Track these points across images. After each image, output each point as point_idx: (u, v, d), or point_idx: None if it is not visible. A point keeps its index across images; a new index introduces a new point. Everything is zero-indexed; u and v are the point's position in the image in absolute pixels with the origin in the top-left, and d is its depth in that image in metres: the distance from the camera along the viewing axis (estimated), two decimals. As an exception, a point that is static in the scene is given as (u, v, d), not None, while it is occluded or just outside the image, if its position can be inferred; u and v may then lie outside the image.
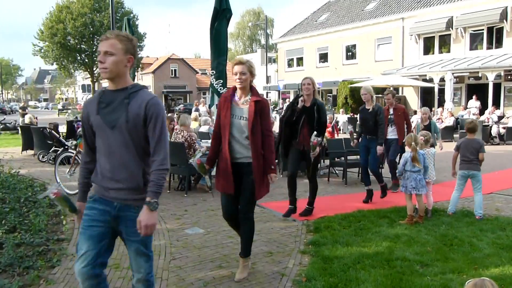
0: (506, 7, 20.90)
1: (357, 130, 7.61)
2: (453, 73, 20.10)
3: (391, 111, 7.98)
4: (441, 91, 21.74)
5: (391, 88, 21.97)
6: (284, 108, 31.28)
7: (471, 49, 22.96)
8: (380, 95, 23.56)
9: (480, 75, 21.16)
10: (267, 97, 39.42)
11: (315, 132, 5.76)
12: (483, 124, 16.09)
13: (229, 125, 3.82)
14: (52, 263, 4.26)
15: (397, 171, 6.02)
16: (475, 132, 5.97)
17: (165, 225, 5.64)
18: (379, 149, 6.75)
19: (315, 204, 6.56)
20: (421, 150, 5.86)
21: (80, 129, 11.51)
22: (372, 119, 6.83)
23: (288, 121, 5.81)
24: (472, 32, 22.92)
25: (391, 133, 7.90)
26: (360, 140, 7.18)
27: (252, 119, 3.75)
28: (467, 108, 20.18)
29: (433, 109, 22.27)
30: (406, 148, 6.04)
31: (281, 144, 5.94)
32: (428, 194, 6.02)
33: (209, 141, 8.84)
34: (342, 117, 21.94)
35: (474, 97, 20.42)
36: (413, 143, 5.68)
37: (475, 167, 5.87)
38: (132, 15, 39.96)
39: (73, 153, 7.63)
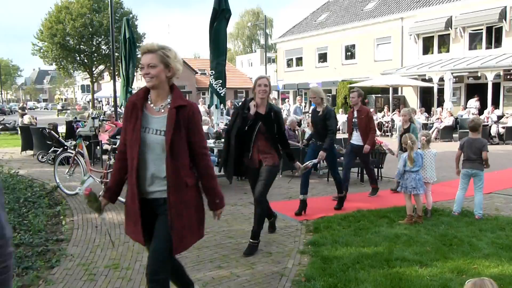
0: (505, 6, 20.91)
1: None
2: (452, 73, 20.11)
3: (355, 113, 7.12)
4: (440, 91, 21.74)
5: (392, 88, 22.02)
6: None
7: (470, 49, 22.96)
8: (379, 95, 23.66)
9: (479, 74, 21.17)
10: (266, 97, 39.43)
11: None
12: (483, 124, 16.09)
13: (139, 143, 2.62)
14: (52, 263, 4.25)
15: (396, 173, 6.00)
16: (477, 130, 5.91)
17: (164, 225, 5.63)
18: (321, 155, 6.01)
19: (314, 204, 6.55)
20: (421, 151, 5.86)
21: (79, 129, 11.51)
22: (320, 123, 6.15)
23: (238, 132, 4.64)
24: (471, 32, 22.93)
25: (356, 138, 7.13)
26: (309, 145, 6.54)
27: (171, 133, 2.58)
28: (466, 107, 20.18)
29: (432, 108, 22.31)
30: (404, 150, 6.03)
31: (227, 161, 4.74)
32: (428, 194, 6.02)
33: (208, 141, 8.85)
34: (341, 117, 21.93)
35: (476, 97, 20.40)
36: (409, 141, 5.67)
37: (478, 166, 5.85)
38: (131, 15, 39.99)
39: (72, 153, 7.62)
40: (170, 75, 2.67)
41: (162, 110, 2.67)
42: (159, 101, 2.69)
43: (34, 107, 64.95)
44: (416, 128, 7.36)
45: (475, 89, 21.91)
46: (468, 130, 6.26)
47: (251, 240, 4.69)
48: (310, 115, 10.53)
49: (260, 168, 4.70)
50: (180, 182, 2.62)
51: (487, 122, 16.97)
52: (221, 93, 9.15)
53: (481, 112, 19.46)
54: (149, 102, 2.71)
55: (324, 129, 6.09)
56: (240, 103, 4.98)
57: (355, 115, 7.08)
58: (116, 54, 17.27)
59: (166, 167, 2.58)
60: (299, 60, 34.03)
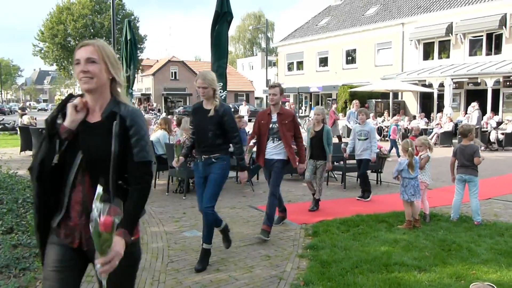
0: (506, 13, 20.98)
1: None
2: (452, 79, 20.14)
3: (274, 116, 5.40)
4: (440, 97, 21.77)
5: (392, 91, 22.02)
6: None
7: (470, 55, 23.02)
8: (379, 100, 23.69)
9: (479, 81, 21.21)
10: (267, 100, 39.49)
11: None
12: (482, 129, 16.11)
13: None
14: (49, 264, 4.24)
15: (392, 173, 5.96)
16: (467, 136, 5.95)
17: (163, 227, 5.62)
18: (243, 177, 4.63)
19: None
20: (416, 156, 5.85)
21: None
22: (214, 127, 4.19)
23: (43, 168, 2.05)
24: (472, 38, 22.99)
25: (273, 150, 5.36)
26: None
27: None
28: (467, 113, 20.20)
29: (432, 114, 22.34)
30: (401, 154, 6.00)
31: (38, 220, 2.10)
32: (423, 198, 6.00)
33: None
34: (341, 122, 21.94)
35: (476, 103, 20.44)
36: (409, 148, 5.65)
37: (472, 172, 5.88)
38: (133, 17, 40.04)
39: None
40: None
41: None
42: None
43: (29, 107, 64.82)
44: (330, 131, 6.63)
45: (474, 95, 21.94)
46: None
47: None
48: (310, 118, 10.33)
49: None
50: None
51: (487, 128, 16.99)
52: (222, 96, 9.15)
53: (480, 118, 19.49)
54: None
55: (215, 137, 4.26)
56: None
57: (274, 119, 5.37)
58: (117, 55, 17.27)
59: None
60: (300, 64, 34.08)
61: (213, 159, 4.27)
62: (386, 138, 19.52)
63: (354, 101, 15.32)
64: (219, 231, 4.54)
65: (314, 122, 6.74)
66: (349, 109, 14.99)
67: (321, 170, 6.60)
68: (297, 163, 5.58)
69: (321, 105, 32.60)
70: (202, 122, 4.28)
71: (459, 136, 6.35)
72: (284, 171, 5.55)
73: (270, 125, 5.40)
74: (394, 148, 13.03)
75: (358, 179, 8.33)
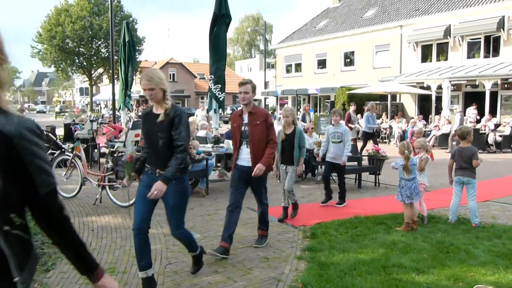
0: (503, 16, 21.04)
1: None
2: (450, 81, 20.18)
3: (245, 117, 4.72)
4: (438, 99, 21.80)
5: (390, 94, 22.06)
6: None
7: (468, 57, 23.08)
8: (377, 102, 23.71)
9: (477, 83, 21.26)
10: (265, 102, 39.51)
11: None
12: (480, 132, 16.14)
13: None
14: (47, 266, 4.23)
15: (392, 164, 5.99)
16: (466, 138, 5.98)
17: (161, 229, 5.62)
18: (157, 188, 3.42)
19: (311, 210, 6.57)
20: (414, 157, 5.86)
21: (77, 132, 11.50)
22: (165, 134, 3.50)
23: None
24: (470, 40, 23.05)
25: (248, 156, 4.71)
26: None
27: None
28: (465, 116, 20.25)
29: (430, 116, 22.37)
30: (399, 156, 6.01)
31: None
32: (421, 200, 6.01)
33: (206, 145, 8.86)
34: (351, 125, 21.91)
35: (473, 105, 20.49)
36: (406, 151, 5.65)
37: (470, 174, 5.90)
38: (131, 18, 40.06)
39: (69, 156, 7.60)
40: None
41: None
42: None
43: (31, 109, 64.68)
44: (302, 132, 6.12)
45: (472, 97, 21.99)
46: None
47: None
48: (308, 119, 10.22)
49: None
50: None
51: (485, 130, 17.02)
52: (220, 97, 9.16)
53: (478, 120, 19.53)
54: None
55: (165, 146, 3.54)
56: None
57: (245, 120, 4.72)
58: (116, 57, 17.29)
59: None
60: (298, 66, 34.11)
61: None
62: (385, 140, 19.58)
63: (369, 103, 14.30)
64: (192, 256, 4.13)
65: (284, 124, 6.17)
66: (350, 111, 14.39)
67: (291, 175, 6.11)
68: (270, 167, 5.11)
69: (319, 107, 32.66)
70: (151, 130, 3.59)
71: (457, 138, 6.35)
72: (265, 178, 4.96)
73: (242, 128, 4.75)
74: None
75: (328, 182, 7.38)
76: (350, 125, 13.08)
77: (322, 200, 7.28)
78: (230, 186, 4.91)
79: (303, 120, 15.66)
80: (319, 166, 9.64)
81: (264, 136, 4.70)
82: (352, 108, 14.25)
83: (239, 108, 5.27)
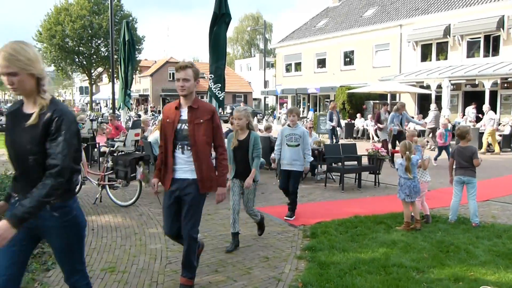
0: (503, 15, 21.05)
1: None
2: (450, 80, 20.19)
3: (184, 112, 3.64)
4: (438, 98, 21.80)
5: (389, 94, 22.04)
6: (282, 112, 30.66)
7: (468, 56, 23.09)
8: (377, 101, 23.71)
9: (476, 82, 21.27)
10: (265, 102, 39.51)
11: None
12: (479, 131, 16.14)
13: None
14: (47, 266, 4.23)
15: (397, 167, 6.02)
16: (465, 138, 6.00)
17: (161, 229, 5.62)
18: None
19: (311, 209, 6.56)
20: (416, 156, 5.87)
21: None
22: (37, 147, 2.30)
23: None
24: (469, 40, 23.06)
25: (184, 166, 3.61)
26: None
27: None
28: (464, 115, 20.26)
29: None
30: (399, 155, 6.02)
31: None
32: (422, 199, 6.02)
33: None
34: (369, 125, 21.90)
35: (473, 105, 20.52)
36: (407, 152, 5.68)
37: (471, 173, 5.91)
38: (131, 18, 40.03)
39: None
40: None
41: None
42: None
43: None
44: (258, 138, 4.91)
45: (472, 96, 22.00)
46: None
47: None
48: (308, 119, 9.92)
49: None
50: None
51: (485, 129, 17.00)
52: (220, 97, 9.15)
53: (478, 119, 19.53)
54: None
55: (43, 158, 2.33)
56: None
57: (183, 116, 3.61)
58: (115, 56, 17.28)
59: None
60: (298, 65, 34.11)
61: (46, 207, 2.28)
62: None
63: (399, 103, 12.34)
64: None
65: (236, 128, 4.93)
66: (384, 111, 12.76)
67: (248, 195, 4.96)
68: (215, 187, 3.71)
69: (319, 106, 32.65)
70: (17, 139, 2.33)
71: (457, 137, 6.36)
72: (204, 198, 3.72)
73: (178, 125, 3.57)
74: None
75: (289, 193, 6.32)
76: (379, 125, 12.11)
77: (287, 214, 6.20)
78: (162, 206, 3.79)
79: (331, 120, 13.57)
80: (319, 166, 9.66)
81: (209, 141, 3.62)
82: (384, 108, 12.98)
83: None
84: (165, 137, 3.67)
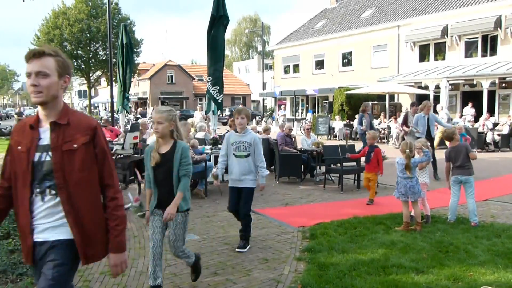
0: (500, 15, 21.10)
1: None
2: (448, 81, 20.22)
3: (45, 134, 2.21)
4: (436, 98, 21.83)
5: (388, 95, 22.06)
6: (280, 114, 30.60)
7: (466, 56, 23.12)
8: (375, 102, 23.74)
9: (475, 82, 21.30)
10: (263, 103, 39.54)
11: None
12: (478, 131, 16.17)
13: None
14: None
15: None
16: (453, 139, 6.12)
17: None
18: None
19: (310, 210, 6.55)
20: (415, 158, 5.87)
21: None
22: None
23: None
24: (467, 40, 23.10)
25: (45, 220, 2.21)
26: None
27: None
28: (462, 115, 20.29)
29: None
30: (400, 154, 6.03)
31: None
32: (424, 200, 6.03)
33: (206, 147, 8.85)
34: (338, 124, 22.02)
35: (470, 104, 20.57)
36: (407, 150, 5.69)
37: (468, 172, 5.92)
38: (129, 21, 40.03)
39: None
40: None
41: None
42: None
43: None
44: (187, 149, 3.65)
45: (470, 96, 22.03)
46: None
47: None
48: (306, 121, 9.56)
49: None
50: None
51: (483, 129, 17.04)
52: (218, 99, 9.17)
53: (476, 119, 19.57)
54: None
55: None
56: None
57: (43, 138, 2.23)
58: (114, 59, 17.29)
59: None
60: (296, 67, 34.14)
61: None
62: (384, 141, 19.59)
63: (425, 102, 10.11)
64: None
65: (156, 137, 3.73)
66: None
67: (175, 230, 3.64)
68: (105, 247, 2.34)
69: (317, 108, 32.68)
70: None
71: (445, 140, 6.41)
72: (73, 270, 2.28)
73: (36, 156, 2.20)
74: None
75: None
76: (405, 128, 10.94)
77: (238, 245, 4.97)
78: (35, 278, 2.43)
79: (360, 123, 11.82)
80: (318, 167, 9.66)
81: (91, 177, 2.28)
82: (412, 109, 11.37)
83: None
84: (14, 175, 2.24)
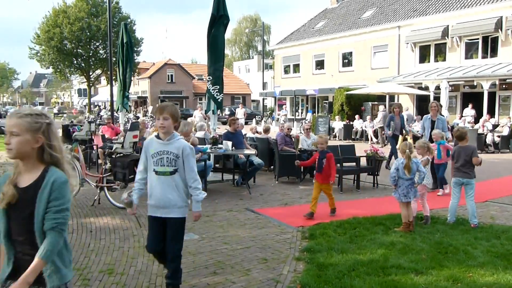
0: (501, 17, 21.09)
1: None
2: (448, 82, 20.20)
3: None
4: (436, 99, 21.80)
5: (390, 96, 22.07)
6: (281, 114, 30.59)
7: (466, 58, 23.12)
8: (376, 103, 23.74)
9: (475, 83, 21.30)
10: (263, 103, 39.52)
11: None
12: (478, 132, 16.17)
13: None
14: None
15: (389, 177, 5.96)
16: (464, 139, 6.04)
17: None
18: None
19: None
20: (415, 159, 5.87)
21: (75, 133, 11.48)
22: None
23: None
24: (468, 41, 23.10)
25: None
26: None
27: None
28: (462, 116, 20.30)
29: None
30: (399, 154, 6.03)
31: None
32: (423, 200, 6.03)
33: (206, 146, 8.85)
34: (337, 124, 22.01)
35: (470, 105, 20.57)
36: (407, 150, 5.68)
37: (469, 175, 5.91)
38: (129, 20, 40.02)
39: (68, 157, 7.57)
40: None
41: None
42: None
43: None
44: (64, 183, 2.13)
45: (470, 97, 22.04)
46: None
47: None
48: (306, 121, 9.47)
49: None
50: None
51: (483, 130, 17.05)
52: (218, 98, 9.16)
53: (477, 120, 19.57)
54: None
55: None
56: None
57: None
58: (114, 58, 17.27)
59: None
60: (296, 67, 34.13)
61: None
62: (385, 141, 19.56)
63: (432, 102, 9.56)
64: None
65: (15, 162, 2.30)
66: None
67: None
68: None
69: (317, 108, 32.66)
70: None
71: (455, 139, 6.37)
72: None
73: None
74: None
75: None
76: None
77: None
78: None
79: (388, 125, 11.03)
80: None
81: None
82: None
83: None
84: None
